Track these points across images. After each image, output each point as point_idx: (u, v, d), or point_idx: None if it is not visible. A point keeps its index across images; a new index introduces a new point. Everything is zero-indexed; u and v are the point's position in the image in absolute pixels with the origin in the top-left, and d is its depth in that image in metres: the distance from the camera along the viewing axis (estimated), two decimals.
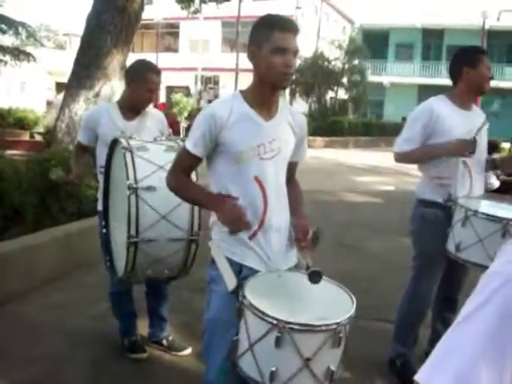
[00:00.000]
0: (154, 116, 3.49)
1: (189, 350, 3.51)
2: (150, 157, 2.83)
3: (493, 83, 3.20)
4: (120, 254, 2.94)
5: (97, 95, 7.29)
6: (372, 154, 20.03)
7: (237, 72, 26.52)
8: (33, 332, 3.69)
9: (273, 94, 2.12)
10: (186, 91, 27.81)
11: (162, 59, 28.73)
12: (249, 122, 2.09)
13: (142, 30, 29.78)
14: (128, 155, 2.78)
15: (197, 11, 14.63)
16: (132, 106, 3.34)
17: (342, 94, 29.47)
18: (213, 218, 2.16)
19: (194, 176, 2.81)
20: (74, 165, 3.60)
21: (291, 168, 2.30)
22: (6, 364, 3.27)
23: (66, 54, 30.99)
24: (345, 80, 28.50)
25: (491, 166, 3.28)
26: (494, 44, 30.80)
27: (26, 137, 15.06)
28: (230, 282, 2.01)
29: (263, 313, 1.74)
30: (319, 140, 22.19)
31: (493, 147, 4.53)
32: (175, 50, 38.22)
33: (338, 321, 1.73)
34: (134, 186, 2.72)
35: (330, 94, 29.30)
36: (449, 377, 0.77)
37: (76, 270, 4.85)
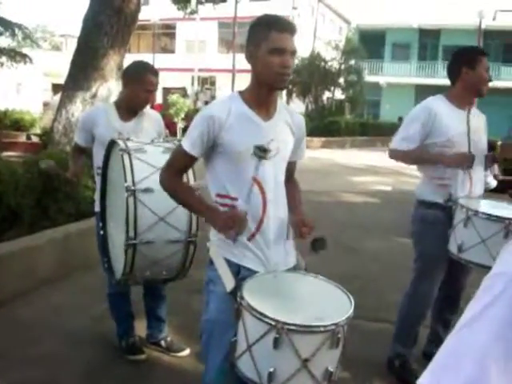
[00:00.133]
0: (151, 117, 3.49)
1: (187, 351, 3.50)
2: (148, 158, 2.83)
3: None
4: (118, 256, 2.94)
5: (94, 96, 7.29)
6: (369, 153, 20.07)
7: (233, 73, 26.50)
8: (31, 333, 3.69)
9: (271, 95, 2.13)
10: (183, 92, 27.78)
11: (158, 60, 28.72)
12: (247, 123, 2.09)
13: (138, 31, 29.66)
14: (126, 157, 2.78)
15: (193, 12, 14.65)
16: (129, 107, 3.33)
17: (339, 94, 29.53)
18: None
19: (191, 176, 2.83)
20: (71, 165, 3.59)
21: (290, 168, 2.30)
22: (5, 365, 3.27)
23: (62, 55, 30.97)
24: (341, 80, 28.59)
25: (491, 159, 3.28)
26: (489, 44, 30.88)
27: (22, 138, 15.04)
28: (229, 282, 2.01)
29: (261, 314, 1.74)
30: (316, 140, 22.20)
31: (492, 147, 4.53)
32: (172, 51, 38.20)
33: (337, 321, 1.73)
34: (132, 188, 2.72)
35: (327, 94, 29.36)
36: (459, 382, 0.75)
37: (74, 271, 4.84)
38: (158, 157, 2.85)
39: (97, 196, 3.33)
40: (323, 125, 24.72)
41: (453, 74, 3.17)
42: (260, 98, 2.11)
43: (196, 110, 20.09)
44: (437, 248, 3.11)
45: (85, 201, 5.37)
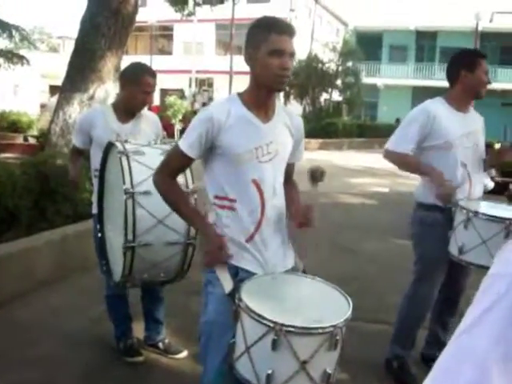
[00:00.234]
0: (148, 119, 3.49)
1: (185, 353, 3.50)
2: (146, 161, 2.82)
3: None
4: (116, 258, 2.94)
5: (91, 98, 7.28)
6: (366, 155, 20.06)
7: (231, 74, 26.50)
8: (29, 334, 3.68)
9: (269, 97, 2.13)
10: (181, 94, 27.78)
11: (155, 62, 28.66)
12: (246, 125, 2.09)
13: (135, 33, 29.66)
14: (124, 159, 2.77)
15: (191, 14, 14.66)
16: (127, 109, 3.33)
17: (336, 96, 29.54)
18: (210, 219, 2.16)
19: (190, 178, 2.83)
20: (71, 168, 3.58)
21: (289, 169, 2.31)
22: (3, 366, 3.27)
23: (59, 57, 30.85)
24: (339, 82, 28.59)
25: (489, 164, 3.28)
26: (486, 45, 30.93)
27: (19, 140, 14.98)
28: (227, 284, 2.01)
29: (260, 315, 1.74)
30: (313, 142, 22.19)
31: (490, 147, 4.54)
32: (169, 53, 38.19)
33: (335, 323, 1.73)
34: (131, 190, 2.71)
35: (324, 96, 29.36)
36: None
37: (72, 273, 4.84)
38: (156, 159, 2.83)
39: (94, 198, 3.33)
40: (321, 126, 24.71)
41: (452, 76, 3.16)
42: (259, 99, 2.12)
43: (193, 112, 20.10)
44: (436, 250, 3.10)
45: (82, 203, 5.37)
